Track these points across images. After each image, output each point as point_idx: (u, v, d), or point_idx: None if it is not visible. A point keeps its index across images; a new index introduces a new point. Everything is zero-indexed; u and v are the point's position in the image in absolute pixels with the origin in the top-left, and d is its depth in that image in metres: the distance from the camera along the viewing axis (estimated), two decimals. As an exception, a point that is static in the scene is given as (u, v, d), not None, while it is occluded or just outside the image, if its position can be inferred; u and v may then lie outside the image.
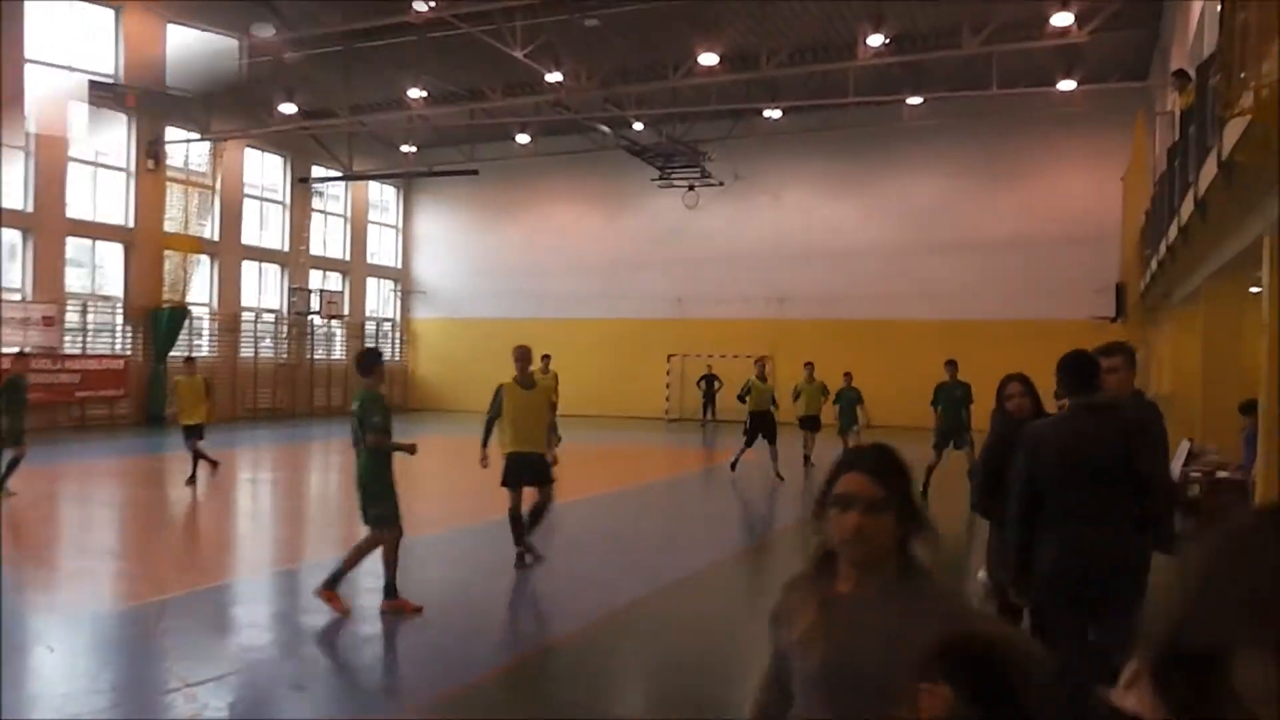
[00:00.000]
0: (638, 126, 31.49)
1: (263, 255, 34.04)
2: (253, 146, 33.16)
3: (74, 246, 27.95)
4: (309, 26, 23.39)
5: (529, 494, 10.57)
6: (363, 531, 8.74)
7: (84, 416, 27.21)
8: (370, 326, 38.82)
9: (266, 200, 34.49)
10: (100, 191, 28.67)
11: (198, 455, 16.34)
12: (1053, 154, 31.43)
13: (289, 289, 34.56)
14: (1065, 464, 5.00)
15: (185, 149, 30.46)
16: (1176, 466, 13.18)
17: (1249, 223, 10.63)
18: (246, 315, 33.24)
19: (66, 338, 27.23)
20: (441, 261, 39.90)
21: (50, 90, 26.18)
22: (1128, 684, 1.40)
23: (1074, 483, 4.96)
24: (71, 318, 27.56)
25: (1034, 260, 30.89)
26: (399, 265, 40.60)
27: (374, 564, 8.71)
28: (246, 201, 33.29)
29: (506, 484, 10.44)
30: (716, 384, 33.56)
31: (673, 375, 35.74)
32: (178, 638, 7.92)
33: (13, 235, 26.11)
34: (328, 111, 31.24)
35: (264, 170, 34.33)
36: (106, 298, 29.08)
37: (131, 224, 29.13)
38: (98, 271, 29.18)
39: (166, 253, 29.52)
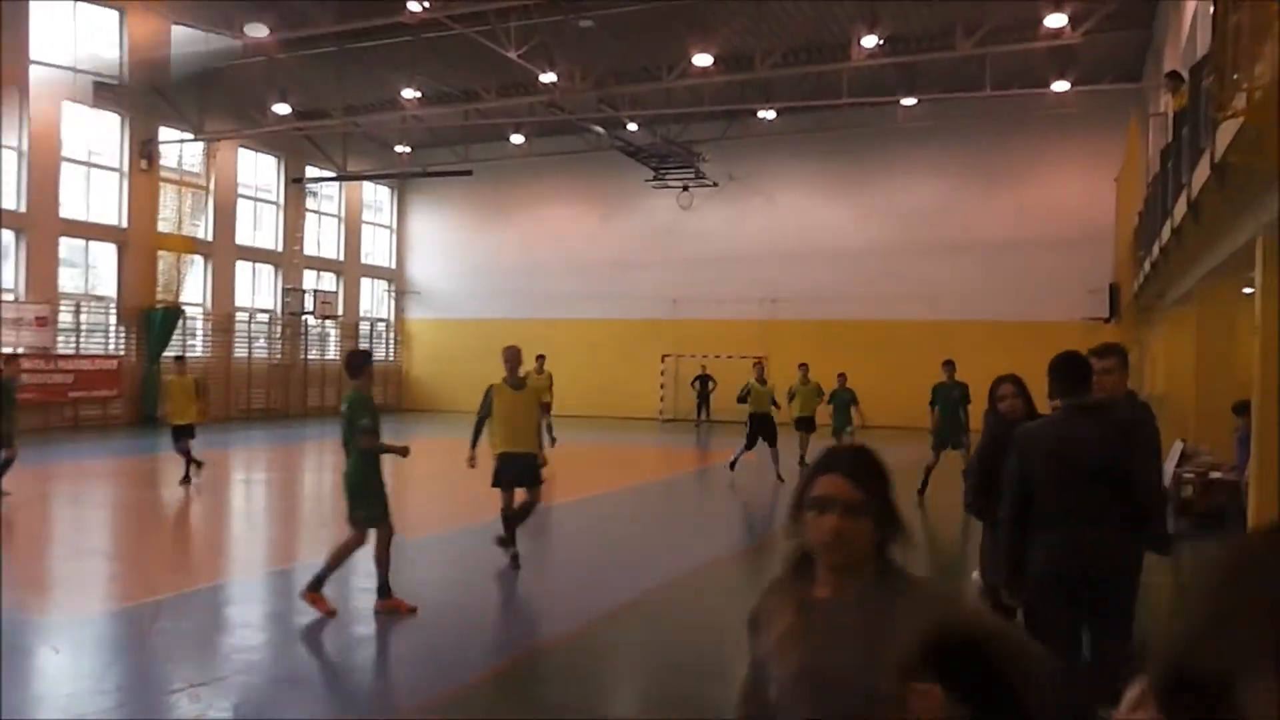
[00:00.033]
0: (632, 127, 31.50)
1: (256, 255, 33.99)
2: (246, 147, 33.12)
3: (67, 246, 27.90)
4: (303, 26, 23.33)
5: (519, 494, 10.57)
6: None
7: (77, 417, 27.15)
8: (364, 327, 38.78)
9: (260, 200, 34.44)
10: (94, 191, 28.62)
11: (188, 455, 16.31)
12: (1046, 155, 31.49)
13: (283, 289, 34.51)
14: (1057, 465, 5.00)
15: (179, 149, 30.43)
16: (1170, 467, 13.20)
17: (1242, 224, 10.66)
18: (240, 315, 33.20)
19: (60, 338, 27.18)
20: (435, 262, 39.87)
21: (44, 89, 26.17)
22: (1133, 705, 1.40)
23: (1066, 483, 4.97)
24: (65, 318, 27.50)
25: (1028, 261, 30.94)
26: (393, 266, 40.56)
27: (368, 564, 8.70)
28: (240, 202, 33.24)
29: (498, 485, 10.45)
30: (711, 384, 33.59)
31: (667, 376, 35.75)
32: (171, 639, 7.91)
33: (6, 235, 26.06)
34: (322, 112, 31.23)
35: (258, 170, 34.28)
36: (100, 298, 29.02)
37: (125, 224, 29.09)
38: (91, 271, 29.12)
39: (160, 253, 29.47)
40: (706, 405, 33.48)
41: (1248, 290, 13.01)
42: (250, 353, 33.33)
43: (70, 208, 27.64)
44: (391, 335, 40.28)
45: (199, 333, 31.52)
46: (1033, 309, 30.09)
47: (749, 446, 18.55)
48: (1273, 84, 6.31)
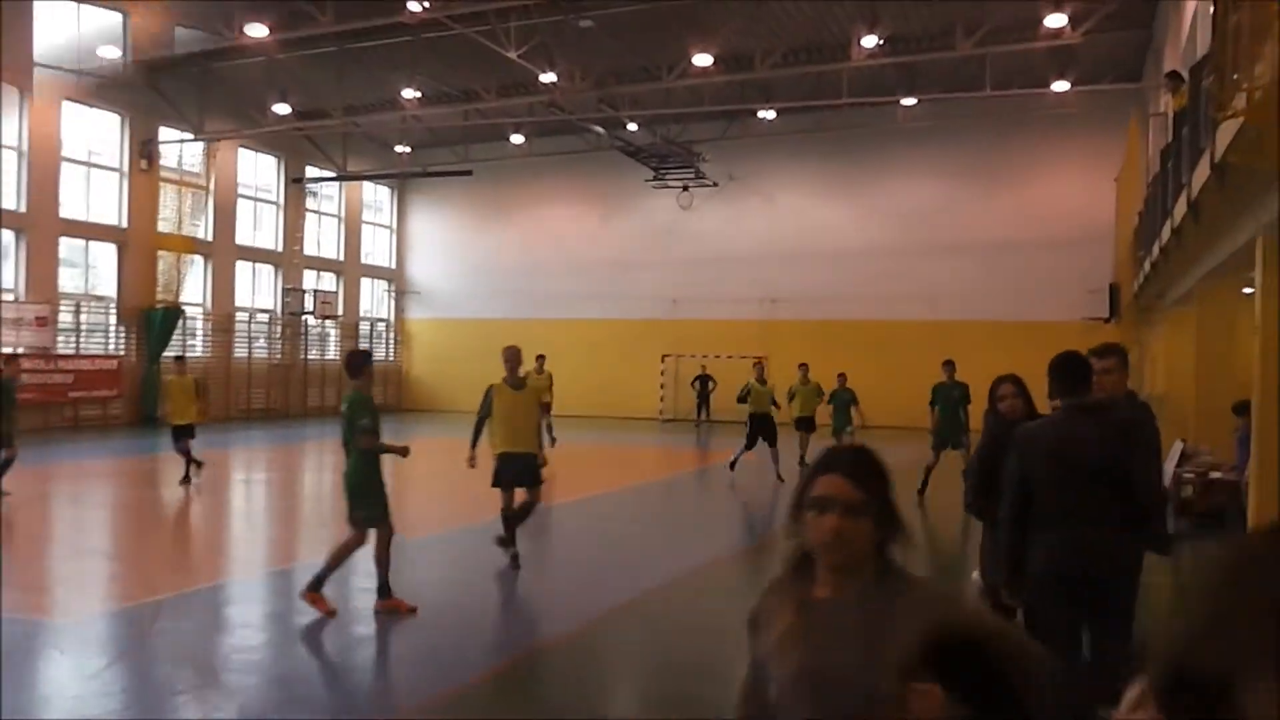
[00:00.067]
0: (632, 127, 31.50)
1: (257, 255, 33.99)
2: (246, 147, 33.12)
3: (67, 246, 27.90)
4: (303, 26, 23.33)
5: (519, 494, 10.57)
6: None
7: (77, 417, 27.16)
8: (364, 327, 38.78)
9: (260, 200, 34.44)
10: (94, 191, 28.62)
11: (189, 455, 16.31)
12: (1046, 155, 31.49)
13: (283, 289, 34.51)
14: (1057, 465, 5.01)
15: (179, 149, 30.43)
16: (1170, 467, 13.20)
17: (1242, 224, 10.66)
18: (240, 315, 33.20)
19: (60, 338, 27.17)
20: (435, 262, 39.87)
21: (44, 89, 26.18)
22: (1133, 705, 1.39)
23: (1066, 483, 4.97)
24: (65, 318, 27.50)
25: (1028, 261, 30.95)
26: (393, 265, 40.56)
27: (368, 564, 8.70)
28: (240, 202, 33.24)
29: (498, 485, 10.45)
30: (710, 384, 33.59)
31: (667, 376, 35.75)
32: (171, 639, 7.91)
33: (6, 235, 26.06)
34: (322, 112, 31.23)
35: (258, 170, 34.28)
36: (100, 298, 29.02)
37: (125, 224, 29.09)
38: (91, 271, 29.12)
39: (160, 253, 29.47)
40: (706, 405, 33.48)
41: (1248, 290, 13.01)
42: (250, 353, 33.33)
43: (70, 207, 27.64)
44: (391, 335, 40.28)
45: (199, 333, 31.52)
46: (1033, 309, 30.09)
47: (749, 447, 18.55)
48: (1273, 84, 6.30)
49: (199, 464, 16.50)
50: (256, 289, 34.23)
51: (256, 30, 22.85)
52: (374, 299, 40.02)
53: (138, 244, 29.09)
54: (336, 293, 36.79)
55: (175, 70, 28.66)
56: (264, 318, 34.24)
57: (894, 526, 2.34)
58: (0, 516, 12.60)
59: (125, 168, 29.24)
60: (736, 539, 13.86)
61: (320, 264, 36.60)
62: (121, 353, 28.87)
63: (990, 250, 31.60)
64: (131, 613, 8.69)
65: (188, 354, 29.03)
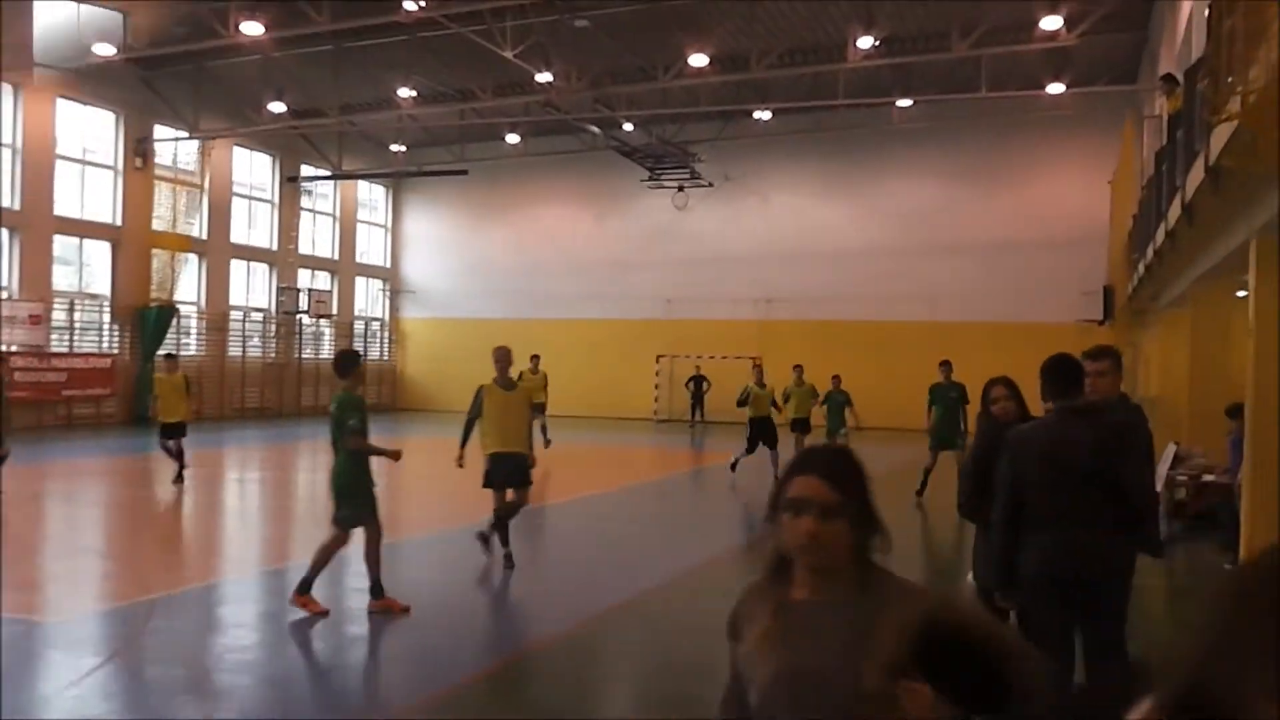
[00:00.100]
0: (627, 127, 31.51)
1: (251, 254, 33.95)
2: (241, 145, 33.07)
3: (61, 244, 27.86)
4: (298, 25, 23.29)
5: (508, 493, 10.57)
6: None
7: (70, 415, 27.11)
8: (359, 326, 38.73)
9: (255, 199, 34.40)
10: (88, 189, 28.58)
11: (179, 453, 16.24)
12: (1041, 157, 31.54)
13: (277, 288, 34.46)
14: (1049, 467, 5.01)
15: (173, 147, 30.40)
16: (1163, 469, 13.22)
17: (1236, 227, 10.67)
18: (235, 314, 33.15)
19: (53, 336, 27.12)
20: (430, 261, 39.83)
21: (39, 86, 26.12)
22: None
23: (1058, 486, 4.98)
24: (58, 316, 27.44)
25: (1022, 263, 30.99)
26: (388, 265, 40.52)
27: (361, 564, 8.68)
28: (235, 200, 33.20)
29: (489, 485, 10.45)
30: (705, 385, 33.57)
31: (661, 376, 35.74)
32: (164, 639, 7.90)
33: (0, 233, 26.01)
34: (317, 111, 31.19)
35: (253, 169, 34.24)
36: (94, 296, 28.98)
37: (119, 222, 29.05)
38: (85, 270, 29.08)
39: (154, 251, 29.43)
40: (700, 406, 33.47)
41: (1241, 293, 13.03)
42: (244, 351, 33.28)
43: (64, 205, 27.60)
44: (386, 334, 40.24)
45: (193, 331, 31.48)
46: (1028, 310, 30.13)
47: (750, 450, 18.51)
48: (1270, 86, 6.31)
49: (184, 466, 16.35)
50: (251, 288, 34.18)
51: (252, 28, 22.80)
52: (369, 298, 39.99)
53: (132, 242, 29.04)
54: (331, 292, 36.75)
55: (170, 68, 28.60)
56: (258, 316, 34.20)
57: (872, 528, 2.30)
58: (-6, 515, 12.57)
59: (120, 165, 29.20)
60: (733, 539, 13.85)
61: (315, 263, 36.55)
62: (115, 351, 28.83)
63: (986, 251, 31.64)
64: (124, 612, 8.67)
65: (181, 352, 29.11)
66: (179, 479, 16.09)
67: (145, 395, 27.74)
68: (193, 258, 31.21)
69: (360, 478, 8.63)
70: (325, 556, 8.51)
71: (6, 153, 25.89)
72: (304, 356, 35.32)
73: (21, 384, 25.10)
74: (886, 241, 32.92)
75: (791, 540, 2.29)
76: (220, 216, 32.28)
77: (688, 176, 34.30)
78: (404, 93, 28.62)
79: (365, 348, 37.93)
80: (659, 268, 35.50)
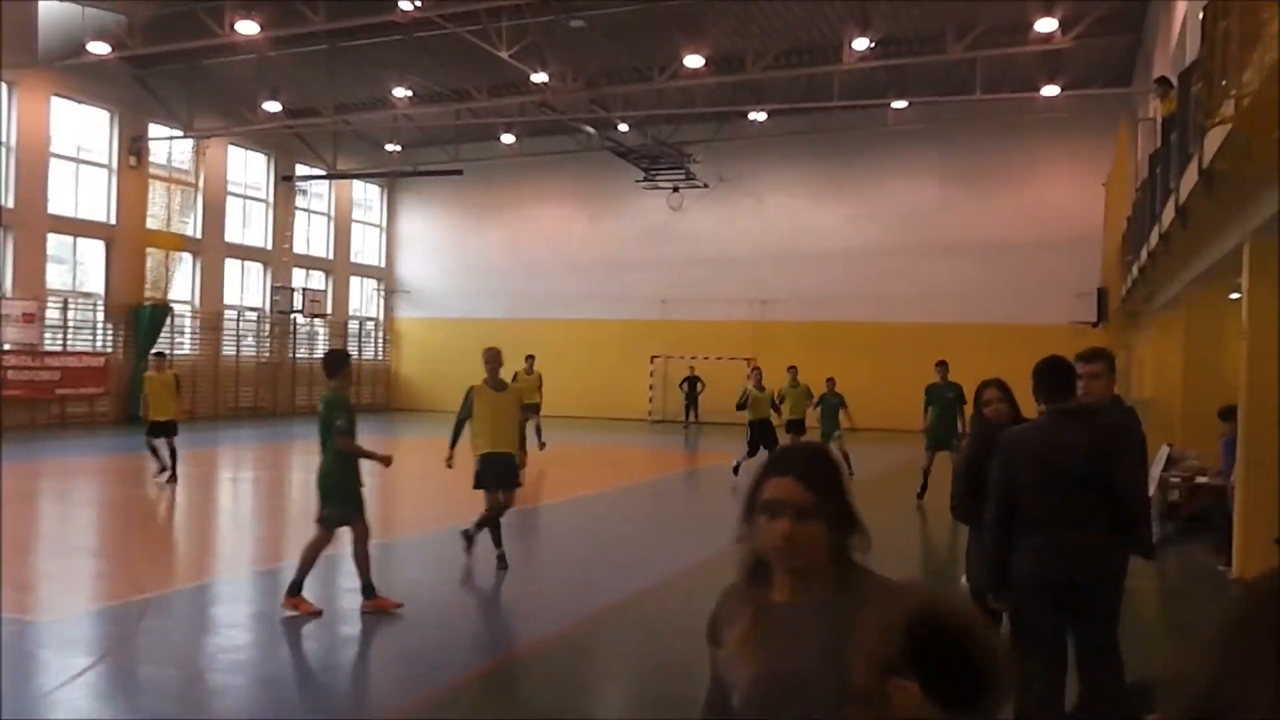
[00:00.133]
0: (623, 128, 31.50)
1: (246, 253, 33.90)
2: (236, 144, 33.02)
3: (55, 243, 27.80)
4: (294, 24, 23.25)
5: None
6: (340, 534, 8.70)
7: (64, 414, 27.05)
8: (353, 326, 38.69)
9: (250, 198, 34.35)
10: (82, 188, 28.52)
11: (172, 452, 16.20)
12: (1036, 159, 31.58)
13: (272, 287, 34.41)
14: (1042, 470, 5.02)
15: (168, 146, 30.36)
16: (1156, 472, 13.24)
17: (1229, 230, 10.71)
18: (229, 313, 33.10)
19: (47, 334, 27.06)
20: (425, 261, 39.80)
21: (33, 84, 26.09)
22: None
23: (1051, 488, 4.99)
24: (52, 314, 27.39)
25: (1017, 264, 31.03)
26: (382, 264, 40.48)
27: (354, 564, 8.67)
28: (230, 199, 33.16)
29: (481, 486, 10.45)
30: (699, 386, 33.53)
31: (656, 377, 35.73)
32: (156, 638, 7.89)
33: (-7, 231, 26.01)
34: (312, 110, 31.14)
35: (247, 168, 34.19)
36: (88, 294, 28.93)
37: (113, 221, 29.00)
38: (79, 268, 29.03)
39: (148, 250, 29.39)
40: (694, 407, 33.44)
41: (1235, 295, 13.06)
42: (239, 351, 33.22)
43: (58, 204, 27.54)
44: (380, 334, 40.20)
45: (187, 330, 31.43)
46: (1023, 312, 30.17)
47: (751, 454, 18.48)
48: (1263, 90, 6.33)
49: (162, 467, 16.25)
50: (245, 287, 34.14)
51: (247, 27, 22.77)
52: (363, 298, 39.95)
53: (126, 241, 29.00)
54: (325, 291, 36.71)
55: (165, 66, 28.56)
56: (253, 316, 34.15)
57: (850, 527, 2.26)
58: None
59: (114, 164, 29.15)
60: (727, 540, 13.82)
61: (309, 262, 36.52)
62: (109, 350, 28.78)
63: (980, 253, 31.68)
64: (117, 611, 8.66)
65: (175, 351, 29.10)
66: (172, 478, 16.06)
67: (139, 394, 27.73)
68: (187, 257, 31.17)
69: (347, 477, 8.61)
70: (311, 556, 8.48)
71: (1, 151, 25.83)
72: (298, 356, 35.25)
73: (15, 382, 25.10)
74: (881, 243, 32.95)
75: (768, 543, 2.24)
76: (215, 215, 32.24)
77: (683, 177, 34.31)
78: (399, 92, 28.59)
79: (360, 348, 37.93)
80: (654, 268, 35.49)
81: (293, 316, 34.75)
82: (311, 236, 36.95)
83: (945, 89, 26.82)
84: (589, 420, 33.08)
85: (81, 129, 28.47)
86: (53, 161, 27.32)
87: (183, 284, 31.26)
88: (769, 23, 24.97)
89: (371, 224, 40.28)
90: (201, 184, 31.31)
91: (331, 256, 37.68)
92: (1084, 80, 26.54)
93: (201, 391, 30.91)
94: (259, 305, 34.41)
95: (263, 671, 7.23)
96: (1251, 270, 10.08)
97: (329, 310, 36.52)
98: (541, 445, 21.30)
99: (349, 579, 8.84)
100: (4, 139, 25.89)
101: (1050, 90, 25.62)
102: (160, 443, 16.26)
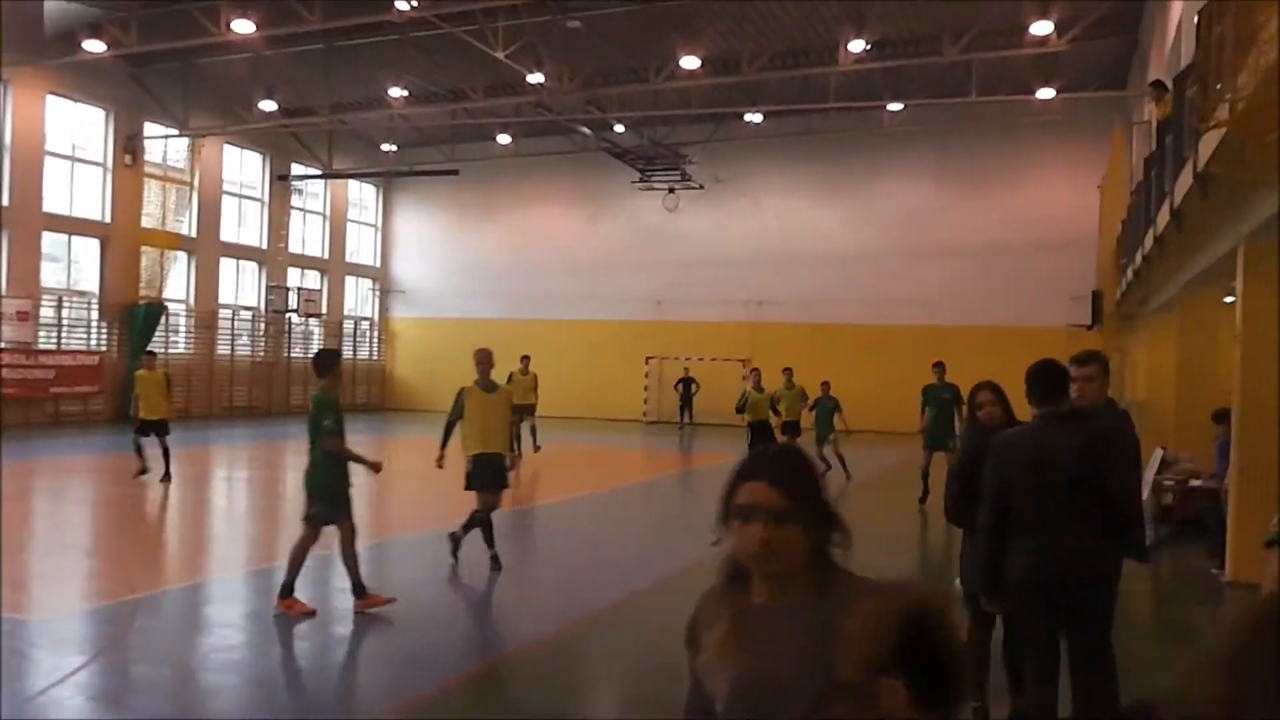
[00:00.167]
0: (619, 129, 31.50)
1: (241, 252, 33.86)
2: (231, 143, 32.99)
3: (50, 241, 27.75)
4: (290, 23, 23.23)
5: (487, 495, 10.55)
6: (329, 534, 8.69)
7: (58, 412, 27.00)
8: (348, 325, 38.65)
9: (245, 197, 34.31)
10: (77, 186, 28.47)
11: (165, 452, 16.15)
12: (1031, 161, 31.62)
13: (267, 287, 34.38)
14: (1035, 473, 5.02)
15: (163, 144, 30.31)
16: (1150, 474, 13.26)
17: (1224, 233, 10.73)
18: (224, 312, 33.07)
19: (41, 333, 27.02)
20: (421, 261, 39.77)
21: (28, 82, 26.04)
22: None
23: (1044, 492, 4.99)
24: (46, 313, 27.34)
25: (1012, 267, 31.07)
26: (378, 264, 40.45)
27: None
28: (225, 198, 33.12)
29: (472, 487, 10.45)
30: (694, 387, 33.54)
31: (651, 378, 35.74)
32: (149, 638, 7.87)
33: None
34: (308, 109, 31.12)
35: (243, 167, 34.15)
36: (82, 293, 28.87)
37: (108, 219, 28.96)
38: (73, 267, 28.97)
39: (143, 249, 29.34)
40: (689, 408, 33.45)
41: (1229, 299, 13.09)
42: (233, 350, 33.19)
43: (53, 202, 27.49)
44: (375, 334, 40.17)
45: (182, 329, 31.39)
46: (1018, 314, 30.21)
47: None
48: (1258, 94, 6.34)
49: (144, 470, 16.09)
50: (240, 286, 34.10)
51: (243, 26, 22.74)
52: (358, 298, 39.91)
53: (121, 239, 28.95)
54: (321, 291, 36.68)
55: (161, 65, 28.53)
56: (247, 315, 34.11)
57: (829, 527, 2.21)
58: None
59: (109, 163, 29.10)
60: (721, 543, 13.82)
61: (305, 262, 36.48)
62: (104, 348, 28.73)
63: (976, 255, 31.71)
64: (110, 611, 8.64)
65: (170, 350, 29.07)
66: (166, 477, 16.01)
67: (131, 393, 27.73)
68: (182, 255, 31.12)
69: (335, 477, 8.59)
70: (299, 556, 8.47)
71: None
72: (293, 356, 35.20)
73: (9, 381, 25.05)
74: (877, 244, 32.98)
75: (743, 548, 2.21)
76: (210, 214, 32.20)
77: (678, 178, 34.33)
78: (395, 92, 28.57)
79: (354, 347, 37.91)
80: (650, 269, 35.50)
81: (288, 316, 34.72)
82: (307, 236, 36.92)
83: (941, 91, 26.86)
84: (584, 421, 33.08)
85: (76, 127, 28.42)
86: (48, 159, 27.27)
87: (177, 283, 31.21)
88: (765, 24, 24.98)
89: (367, 224, 40.26)
90: (197, 183, 31.27)
91: (327, 256, 37.64)
92: (1079, 83, 26.57)
93: (196, 391, 30.88)
94: (254, 304, 34.38)
95: (255, 672, 7.22)
96: (1246, 274, 10.11)
97: (324, 310, 36.48)
98: (536, 448, 21.30)
99: (342, 579, 8.83)
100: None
101: (1045, 93, 25.65)
102: (149, 442, 16.20)
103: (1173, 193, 11.06)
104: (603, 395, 35.48)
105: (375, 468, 8.98)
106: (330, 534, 8.65)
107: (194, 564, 11.32)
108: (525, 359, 21.94)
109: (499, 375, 11.04)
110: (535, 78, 25.59)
